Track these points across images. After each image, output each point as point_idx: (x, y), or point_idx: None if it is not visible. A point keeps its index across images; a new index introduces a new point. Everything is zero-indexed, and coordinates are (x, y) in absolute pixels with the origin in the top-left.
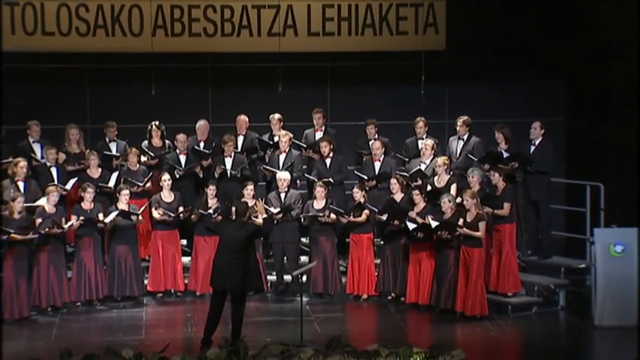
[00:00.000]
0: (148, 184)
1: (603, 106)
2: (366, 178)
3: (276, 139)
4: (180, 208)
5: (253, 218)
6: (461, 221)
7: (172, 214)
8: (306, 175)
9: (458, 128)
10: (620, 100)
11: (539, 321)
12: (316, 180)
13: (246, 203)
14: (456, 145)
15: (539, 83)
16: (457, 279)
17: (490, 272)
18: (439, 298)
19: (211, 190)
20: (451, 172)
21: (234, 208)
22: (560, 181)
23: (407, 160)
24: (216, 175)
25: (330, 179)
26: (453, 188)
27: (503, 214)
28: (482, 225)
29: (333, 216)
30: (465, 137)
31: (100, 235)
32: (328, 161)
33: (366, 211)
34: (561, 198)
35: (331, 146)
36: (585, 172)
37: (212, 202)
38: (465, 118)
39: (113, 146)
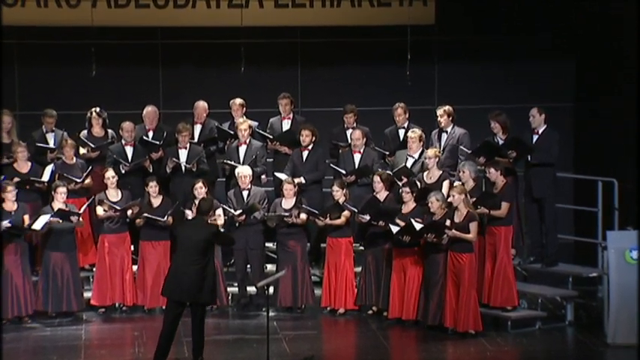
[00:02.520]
0: (88, 180)
1: (618, 89)
2: (344, 172)
3: None
4: (130, 209)
5: (211, 221)
6: (448, 222)
7: (119, 207)
8: (275, 173)
9: (439, 119)
10: (637, 82)
11: (543, 338)
12: (283, 178)
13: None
14: (439, 139)
15: (544, 63)
16: (445, 290)
17: (483, 282)
18: (427, 313)
19: (152, 187)
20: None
21: (195, 206)
22: (567, 176)
23: (387, 152)
24: (168, 170)
25: (302, 179)
26: (445, 185)
27: (499, 215)
28: (473, 226)
29: (303, 216)
30: (449, 129)
31: (27, 241)
32: (305, 153)
33: (346, 213)
34: (569, 196)
35: (313, 137)
36: (597, 166)
37: (156, 202)
38: (447, 107)
39: (50, 137)
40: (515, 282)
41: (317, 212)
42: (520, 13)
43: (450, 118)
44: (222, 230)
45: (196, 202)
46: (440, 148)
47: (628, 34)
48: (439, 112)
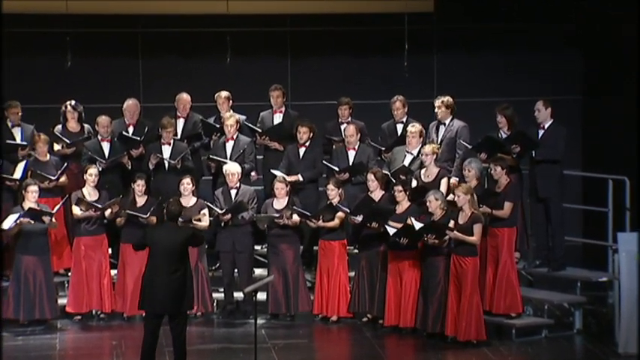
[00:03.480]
0: (63, 178)
1: (630, 80)
2: (337, 169)
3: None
4: (109, 208)
5: (195, 222)
6: (452, 223)
7: (99, 205)
8: (272, 170)
9: (436, 110)
10: (637, 78)
11: (550, 347)
12: (278, 174)
13: (180, 202)
14: (437, 132)
15: (551, 53)
16: (447, 295)
17: (485, 287)
18: (426, 320)
19: (139, 185)
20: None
21: (165, 209)
22: (575, 174)
23: (383, 148)
24: (150, 167)
25: (299, 176)
26: (444, 183)
27: (502, 216)
28: (477, 228)
29: (295, 217)
30: (447, 121)
31: None
32: (302, 150)
33: (340, 214)
34: (577, 195)
35: (311, 134)
36: (607, 163)
37: (141, 201)
38: (446, 98)
39: (17, 132)
40: (519, 287)
41: (309, 214)
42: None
43: (449, 110)
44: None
45: (181, 199)
46: (437, 141)
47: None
48: (437, 103)
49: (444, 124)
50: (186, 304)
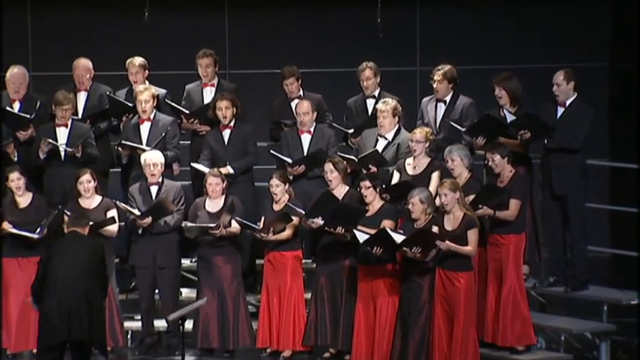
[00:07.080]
0: None
1: None
2: (289, 161)
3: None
4: None
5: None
6: (434, 229)
7: None
8: (192, 164)
9: (435, 85)
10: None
11: None
12: (202, 169)
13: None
14: (435, 112)
15: (566, 4)
16: (432, 322)
17: (485, 313)
18: (406, 355)
19: (14, 180)
20: (433, 155)
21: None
22: (601, 165)
23: (350, 132)
24: (41, 155)
25: (229, 167)
26: (434, 178)
27: (507, 217)
28: (472, 234)
29: (235, 225)
30: (448, 98)
31: None
32: (227, 133)
33: (294, 219)
34: (604, 192)
35: (234, 110)
36: None
37: (23, 202)
38: (447, 68)
39: None
40: (529, 312)
41: (256, 227)
42: None
43: (452, 84)
44: None
45: (80, 201)
46: (435, 124)
47: None
48: (436, 75)
49: (444, 102)
50: (97, 335)
